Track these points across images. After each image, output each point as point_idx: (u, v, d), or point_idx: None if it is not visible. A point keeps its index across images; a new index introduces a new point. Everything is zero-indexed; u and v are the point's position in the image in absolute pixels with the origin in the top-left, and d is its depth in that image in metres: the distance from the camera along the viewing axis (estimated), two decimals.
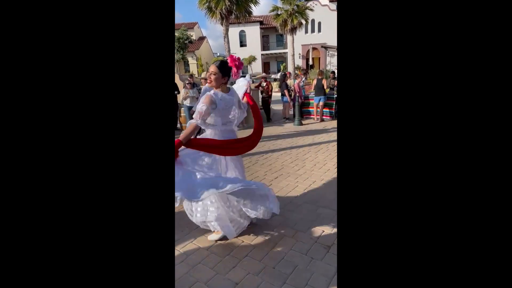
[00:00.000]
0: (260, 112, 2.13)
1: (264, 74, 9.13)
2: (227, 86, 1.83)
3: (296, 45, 18.49)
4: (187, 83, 5.92)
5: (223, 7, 11.05)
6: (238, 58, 1.89)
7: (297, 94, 6.53)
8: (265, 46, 24.95)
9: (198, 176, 1.70)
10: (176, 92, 6.35)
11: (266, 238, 1.93)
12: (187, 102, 5.70)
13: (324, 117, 6.77)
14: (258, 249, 1.80)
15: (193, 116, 1.74)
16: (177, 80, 7.59)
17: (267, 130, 6.10)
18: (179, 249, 1.84)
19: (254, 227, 2.07)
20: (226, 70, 1.78)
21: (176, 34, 19.70)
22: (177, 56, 19.52)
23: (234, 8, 11.34)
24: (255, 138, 1.99)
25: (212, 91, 1.76)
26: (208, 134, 1.89)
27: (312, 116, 6.98)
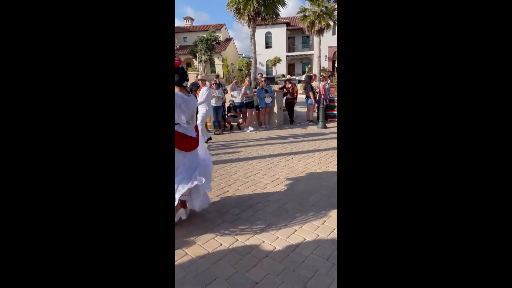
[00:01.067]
0: None
1: (289, 76, 9.07)
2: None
3: (323, 47, 18.19)
4: (213, 83, 6.06)
5: (251, 8, 11.15)
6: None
7: (322, 97, 6.42)
8: (290, 47, 24.82)
9: None
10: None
11: (287, 240, 1.92)
12: (212, 102, 5.82)
13: None
14: (278, 251, 1.80)
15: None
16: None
17: (290, 132, 6.06)
18: (201, 244, 1.89)
19: (274, 228, 2.07)
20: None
21: (204, 35, 20.23)
22: (204, 57, 20.01)
23: (262, 9, 11.39)
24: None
25: (179, 94, 2.11)
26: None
27: (337, 119, 6.83)
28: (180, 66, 2.17)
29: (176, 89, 2.12)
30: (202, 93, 5.03)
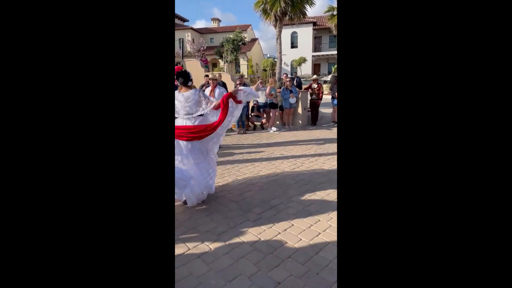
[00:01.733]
0: (223, 111, 2.50)
1: (315, 77, 8.95)
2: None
3: None
4: (238, 84, 6.13)
5: (278, 9, 11.11)
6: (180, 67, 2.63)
7: None
8: (316, 47, 24.37)
9: None
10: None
11: (311, 242, 1.89)
12: None
13: None
14: (302, 252, 1.78)
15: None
16: (229, 79, 7.91)
17: (314, 133, 5.96)
18: (225, 242, 1.92)
19: (297, 229, 2.05)
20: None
21: (230, 36, 20.53)
22: (230, 57, 20.31)
23: (289, 9, 11.30)
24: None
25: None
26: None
27: None
28: (183, 70, 2.57)
29: (184, 89, 2.51)
30: (216, 94, 4.94)
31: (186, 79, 2.49)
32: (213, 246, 1.86)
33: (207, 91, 4.96)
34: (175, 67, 2.55)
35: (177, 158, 2.43)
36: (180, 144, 2.44)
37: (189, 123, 2.45)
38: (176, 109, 2.45)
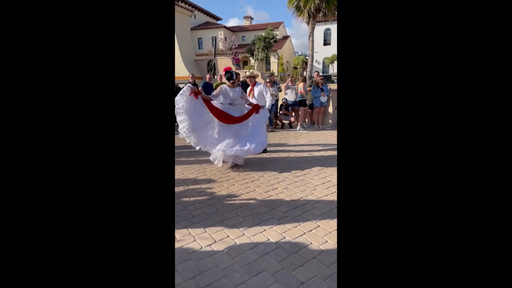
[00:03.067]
0: (253, 108, 3.57)
1: None
2: (235, 84, 3.51)
3: None
4: (268, 81, 6.13)
5: (312, 5, 10.88)
6: (229, 68, 3.65)
7: None
8: None
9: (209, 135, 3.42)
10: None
11: (336, 245, 1.85)
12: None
13: None
14: (327, 254, 1.75)
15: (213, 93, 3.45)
16: (259, 78, 7.94)
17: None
18: (249, 237, 1.95)
19: (323, 231, 2.02)
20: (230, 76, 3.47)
21: (262, 34, 20.55)
22: (261, 55, 20.36)
23: (323, 6, 11.01)
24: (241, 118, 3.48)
25: (224, 86, 3.46)
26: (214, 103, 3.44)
27: None
28: (230, 70, 3.48)
29: (231, 85, 3.45)
30: (256, 93, 5.00)
31: (231, 77, 3.42)
32: (238, 240, 1.90)
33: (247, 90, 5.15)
34: (225, 67, 3.64)
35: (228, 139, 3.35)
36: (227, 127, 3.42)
37: (232, 111, 3.42)
38: (219, 97, 3.41)
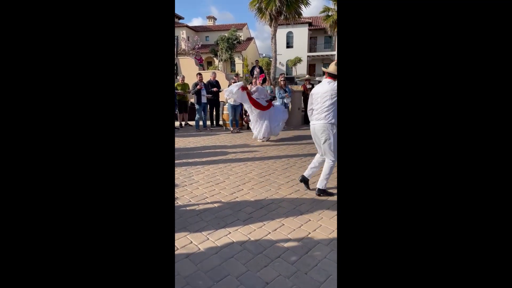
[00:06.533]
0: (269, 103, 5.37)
1: (308, 77, 8.98)
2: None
3: None
4: (233, 82, 6.10)
5: (273, 7, 11.10)
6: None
7: None
8: (312, 47, 24.46)
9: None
10: (219, 90, 6.62)
11: (300, 242, 1.89)
12: (231, 101, 5.86)
13: None
14: (291, 252, 1.77)
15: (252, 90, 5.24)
16: (223, 78, 7.87)
17: (307, 132, 5.96)
18: (214, 241, 1.90)
19: (287, 229, 2.05)
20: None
21: (226, 34, 20.43)
22: (225, 55, 20.21)
23: (284, 9, 11.30)
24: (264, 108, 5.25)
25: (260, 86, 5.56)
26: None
27: None
28: (264, 76, 6.12)
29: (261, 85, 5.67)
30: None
31: (264, 80, 5.34)
32: (202, 246, 1.84)
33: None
34: (261, 75, 5.28)
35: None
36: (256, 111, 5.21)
37: (262, 102, 5.22)
38: (255, 94, 5.23)
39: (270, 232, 2.02)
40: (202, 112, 6.51)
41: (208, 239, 1.93)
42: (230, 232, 2.02)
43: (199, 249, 1.81)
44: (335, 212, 2.32)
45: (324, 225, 2.11)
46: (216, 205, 2.49)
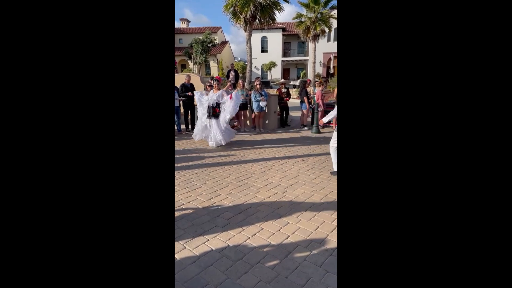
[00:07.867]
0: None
1: (283, 80, 9.14)
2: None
3: (318, 53, 18.35)
4: (208, 85, 6.02)
5: (248, 12, 11.20)
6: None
7: (319, 102, 6.45)
8: (286, 52, 24.98)
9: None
10: (191, 93, 6.50)
11: (279, 246, 1.88)
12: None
13: None
14: (270, 257, 1.76)
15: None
16: (198, 81, 7.74)
17: (284, 136, 6.05)
18: (192, 250, 1.83)
19: (267, 233, 2.04)
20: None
21: (200, 37, 20.18)
22: (199, 58, 19.93)
23: (259, 13, 11.45)
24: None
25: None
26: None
27: (331, 125, 6.86)
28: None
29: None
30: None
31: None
32: (179, 255, 1.77)
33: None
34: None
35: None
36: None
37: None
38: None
39: (249, 237, 1.99)
40: (176, 116, 6.33)
41: (185, 247, 1.85)
42: (208, 240, 1.96)
43: (176, 259, 1.73)
44: (314, 214, 2.35)
45: (302, 227, 2.13)
46: (193, 211, 2.41)
